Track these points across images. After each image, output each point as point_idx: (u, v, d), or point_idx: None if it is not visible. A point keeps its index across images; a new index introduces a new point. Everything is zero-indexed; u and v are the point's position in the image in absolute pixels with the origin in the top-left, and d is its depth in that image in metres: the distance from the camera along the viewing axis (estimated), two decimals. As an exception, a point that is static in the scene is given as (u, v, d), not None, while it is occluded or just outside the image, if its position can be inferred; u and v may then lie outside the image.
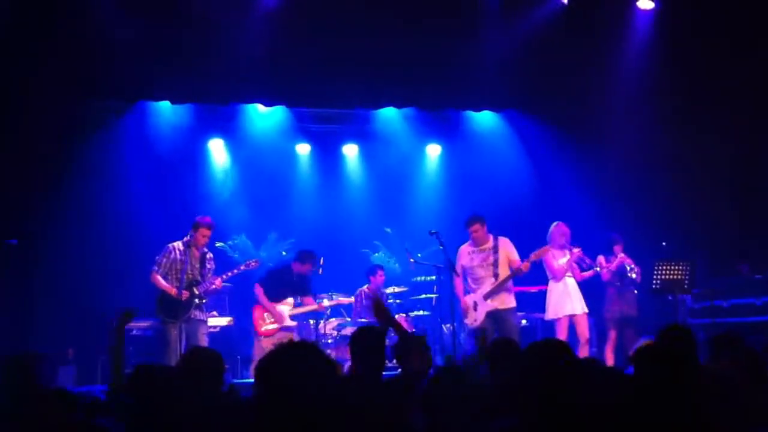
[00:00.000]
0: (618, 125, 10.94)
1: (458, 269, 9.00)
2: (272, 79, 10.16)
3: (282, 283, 9.65)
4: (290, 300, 9.68)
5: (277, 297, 9.61)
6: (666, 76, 10.58)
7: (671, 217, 10.82)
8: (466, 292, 9.05)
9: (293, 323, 9.61)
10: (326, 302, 9.96)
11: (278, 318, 9.57)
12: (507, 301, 8.89)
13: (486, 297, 8.80)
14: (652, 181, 11.01)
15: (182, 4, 9.47)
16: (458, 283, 9.01)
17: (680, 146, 10.83)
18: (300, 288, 9.74)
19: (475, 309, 8.85)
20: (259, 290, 9.62)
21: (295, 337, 9.34)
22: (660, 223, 10.81)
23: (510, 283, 8.96)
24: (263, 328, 9.53)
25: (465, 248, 9.06)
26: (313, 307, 9.77)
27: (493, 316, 8.79)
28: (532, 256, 8.91)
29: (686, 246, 10.27)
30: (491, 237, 9.01)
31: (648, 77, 10.61)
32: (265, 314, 9.59)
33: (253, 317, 9.66)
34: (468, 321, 8.94)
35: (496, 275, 8.83)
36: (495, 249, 8.91)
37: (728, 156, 10.48)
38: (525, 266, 8.80)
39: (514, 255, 8.95)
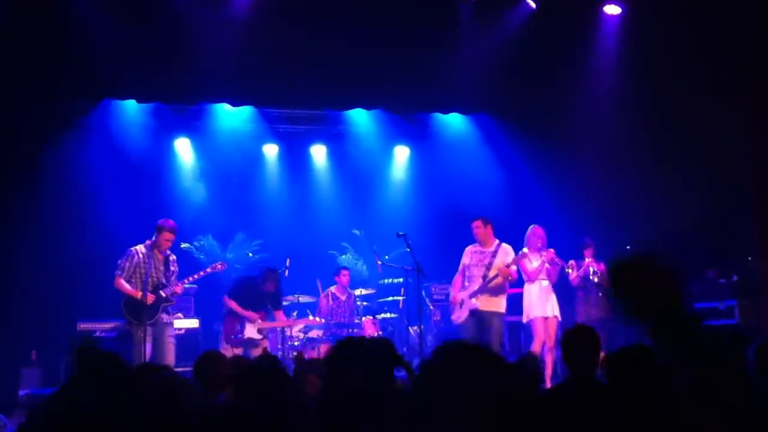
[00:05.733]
0: (587, 129, 11.01)
1: (461, 266, 9.18)
2: (240, 79, 10.08)
3: (251, 294, 9.38)
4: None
5: (248, 308, 9.38)
6: (634, 80, 10.66)
7: (640, 220, 10.91)
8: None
9: (259, 336, 9.33)
10: (296, 326, 9.90)
11: (248, 328, 9.36)
12: (491, 304, 8.89)
13: (471, 296, 8.90)
14: (620, 185, 11.08)
15: (150, 3, 9.38)
16: (457, 279, 9.16)
17: (650, 150, 10.91)
18: (271, 301, 9.52)
19: (461, 307, 8.99)
20: (231, 302, 9.31)
21: (263, 348, 9.26)
22: (628, 226, 10.89)
23: (501, 287, 8.97)
24: (232, 336, 9.26)
25: (471, 247, 9.21)
26: (282, 324, 9.57)
27: (476, 315, 8.87)
28: (511, 263, 8.99)
29: (655, 250, 10.35)
30: (496, 241, 9.11)
31: (616, 81, 10.68)
32: (238, 325, 9.33)
33: (224, 326, 9.38)
34: (453, 317, 9.14)
35: (484, 277, 8.93)
36: (494, 253, 9.02)
37: (699, 160, 10.57)
38: (504, 272, 8.89)
39: (506, 262, 8.99)
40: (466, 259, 9.15)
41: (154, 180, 11.27)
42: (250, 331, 9.30)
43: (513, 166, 11.79)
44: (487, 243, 9.09)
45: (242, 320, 9.29)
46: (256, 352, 9.04)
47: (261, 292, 9.38)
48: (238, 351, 8.93)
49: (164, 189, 11.35)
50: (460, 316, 8.99)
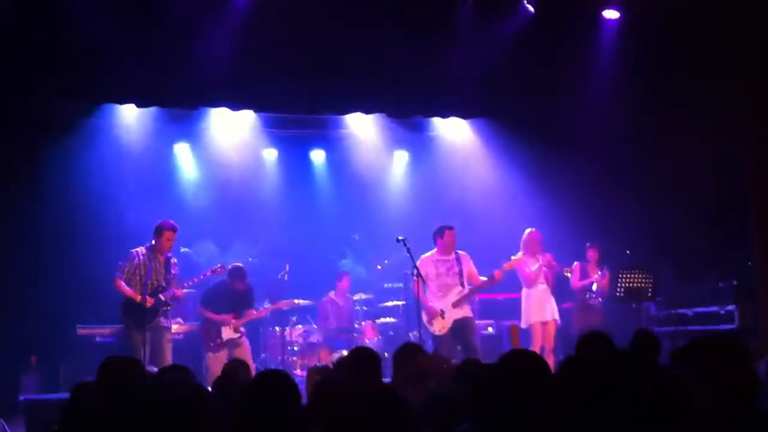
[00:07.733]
0: (586, 133, 11.01)
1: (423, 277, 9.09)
2: (239, 83, 10.06)
3: (222, 299, 9.33)
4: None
5: (221, 312, 9.31)
6: (633, 84, 10.66)
7: (639, 224, 10.91)
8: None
9: (237, 335, 9.27)
10: (263, 309, 9.82)
11: (225, 330, 9.33)
12: (468, 309, 9.10)
13: (455, 305, 8.92)
14: (620, 189, 11.10)
15: (149, 6, 9.37)
16: (420, 291, 9.02)
17: (648, 154, 10.92)
18: (242, 302, 9.47)
19: (443, 317, 8.92)
20: (204, 311, 9.32)
21: (245, 346, 9.25)
22: (628, 230, 10.89)
23: None
24: (211, 343, 9.21)
25: (429, 257, 9.16)
26: (253, 316, 9.52)
27: (459, 323, 8.93)
28: (506, 266, 9.07)
29: (653, 255, 10.37)
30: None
31: (616, 85, 10.69)
32: (213, 331, 9.26)
33: (202, 335, 9.39)
34: (435, 329, 8.97)
35: (462, 284, 8.99)
36: (458, 260, 9.10)
37: (697, 164, 10.57)
38: (498, 275, 9.02)
39: (473, 267, 9.19)
40: (429, 270, 9.05)
41: (153, 184, 11.23)
42: (228, 333, 9.25)
43: (512, 171, 11.77)
44: (449, 251, 9.13)
45: (217, 325, 9.25)
46: (240, 351, 9.01)
47: (231, 294, 9.35)
48: (222, 356, 8.86)
49: (163, 193, 11.31)
50: (444, 326, 8.93)
